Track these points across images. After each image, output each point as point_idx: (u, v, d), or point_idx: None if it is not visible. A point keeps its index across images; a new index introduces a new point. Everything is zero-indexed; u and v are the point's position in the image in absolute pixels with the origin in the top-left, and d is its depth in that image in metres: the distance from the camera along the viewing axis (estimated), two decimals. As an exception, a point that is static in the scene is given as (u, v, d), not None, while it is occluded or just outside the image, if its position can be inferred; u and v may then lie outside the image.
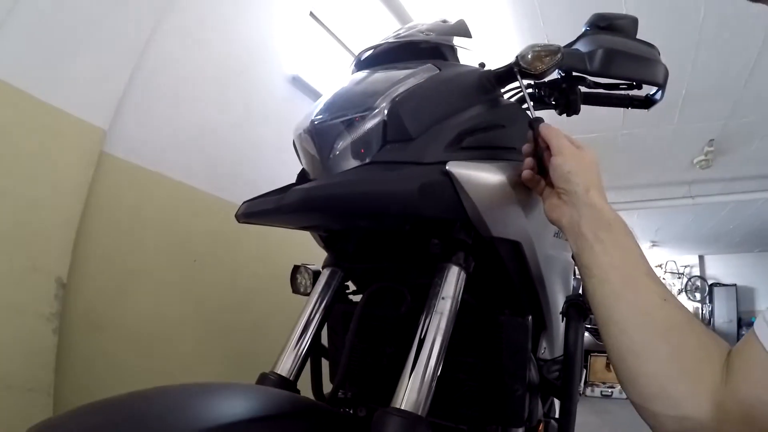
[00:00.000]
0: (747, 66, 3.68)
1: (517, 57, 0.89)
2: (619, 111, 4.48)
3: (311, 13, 3.14)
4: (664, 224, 8.59)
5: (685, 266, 11.60)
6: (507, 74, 0.93)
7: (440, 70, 0.91)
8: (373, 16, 3.02)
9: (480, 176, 0.77)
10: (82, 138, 1.59)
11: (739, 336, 10.27)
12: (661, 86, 1.03)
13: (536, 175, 0.81)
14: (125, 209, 1.75)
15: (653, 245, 10.49)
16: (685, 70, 3.85)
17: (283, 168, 2.44)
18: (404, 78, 0.88)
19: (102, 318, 1.63)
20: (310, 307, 0.98)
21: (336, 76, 3.38)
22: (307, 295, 1.13)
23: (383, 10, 2.91)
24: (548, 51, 0.88)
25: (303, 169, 1.03)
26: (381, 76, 0.94)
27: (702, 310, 11.16)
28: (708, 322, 11.00)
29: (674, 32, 3.41)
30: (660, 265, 11.58)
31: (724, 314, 10.74)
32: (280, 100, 2.64)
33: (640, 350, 0.52)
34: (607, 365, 5.12)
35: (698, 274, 11.51)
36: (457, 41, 1.07)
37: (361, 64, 1.10)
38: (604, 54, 0.90)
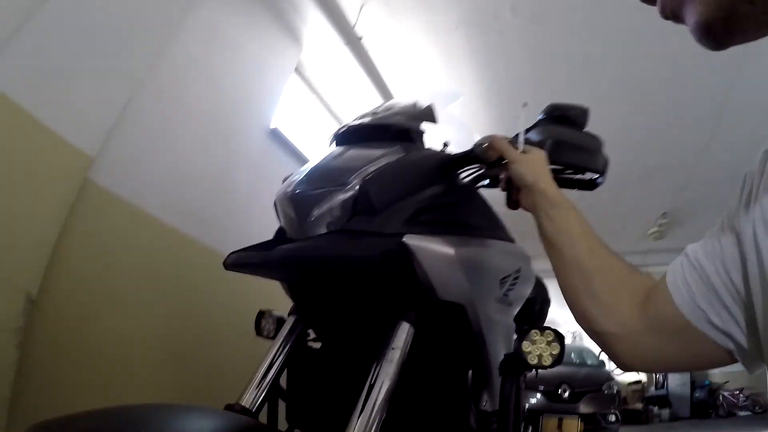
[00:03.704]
0: (701, 142, 3.96)
1: (474, 145, 1.01)
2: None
3: (296, 69, 3.33)
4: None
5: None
6: (464, 160, 1.06)
7: (406, 152, 1.04)
8: (354, 81, 3.21)
9: (432, 248, 0.91)
10: (69, 161, 1.66)
11: (692, 399, 10.51)
12: (602, 173, 1.18)
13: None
14: (102, 237, 1.81)
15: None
16: (641, 146, 4.13)
17: (254, 215, 2.55)
18: (375, 158, 1.01)
19: (67, 337, 1.66)
20: (274, 349, 1.08)
21: (312, 132, 3.57)
22: (270, 338, 1.25)
23: (364, 78, 3.11)
24: (505, 141, 0.99)
25: (281, 228, 1.12)
26: (355, 153, 1.06)
27: (656, 374, 11.32)
28: (662, 385, 11.19)
29: (633, 112, 3.71)
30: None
31: (677, 377, 10.90)
32: (258, 152, 2.80)
33: (576, 289, 0.72)
34: (559, 425, 5.18)
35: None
36: (424, 126, 1.23)
37: (339, 139, 1.23)
38: (552, 144, 1.05)
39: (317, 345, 1.28)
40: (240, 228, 2.49)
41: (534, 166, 0.88)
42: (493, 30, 3.02)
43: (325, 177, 1.01)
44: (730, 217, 0.55)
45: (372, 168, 0.98)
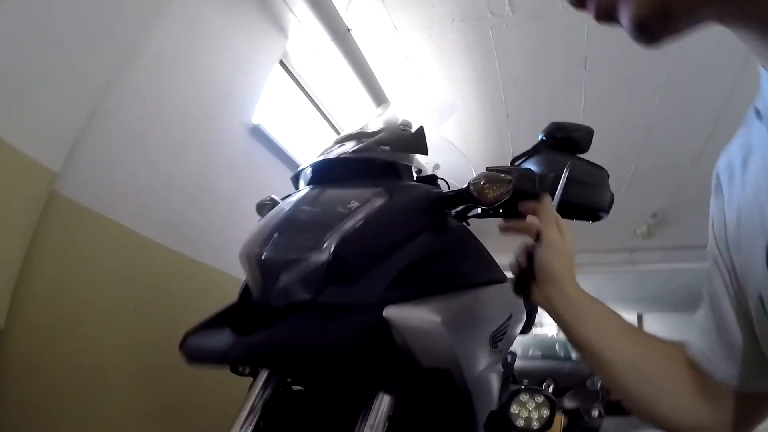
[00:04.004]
0: (697, 146, 3.89)
1: (469, 185, 0.92)
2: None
3: (281, 62, 3.17)
4: (603, 284, 8.83)
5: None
6: (457, 199, 0.97)
7: (390, 196, 0.93)
8: (342, 75, 3.05)
9: (415, 317, 0.81)
10: (31, 179, 1.54)
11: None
12: (607, 210, 1.10)
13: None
14: (70, 253, 1.70)
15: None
16: (638, 147, 4.06)
17: (234, 220, 2.39)
18: (353, 210, 0.89)
19: (37, 364, 1.58)
20: (248, 407, 0.97)
21: (297, 128, 3.42)
22: (246, 375, 1.13)
23: (352, 73, 2.96)
24: (500, 182, 0.91)
25: (246, 285, 1.00)
26: (331, 200, 0.95)
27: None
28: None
29: (631, 113, 3.62)
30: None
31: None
32: (239, 151, 2.64)
33: (641, 394, 0.64)
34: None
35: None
36: (411, 159, 1.11)
37: (315, 174, 1.11)
38: (557, 186, 0.94)
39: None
40: (220, 234, 2.37)
41: (565, 260, 0.75)
42: (490, 25, 2.88)
43: (296, 234, 0.90)
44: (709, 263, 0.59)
45: (349, 224, 0.86)
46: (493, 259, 1.18)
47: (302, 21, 2.78)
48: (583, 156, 1.17)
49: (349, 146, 1.10)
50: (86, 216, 1.75)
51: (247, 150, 2.71)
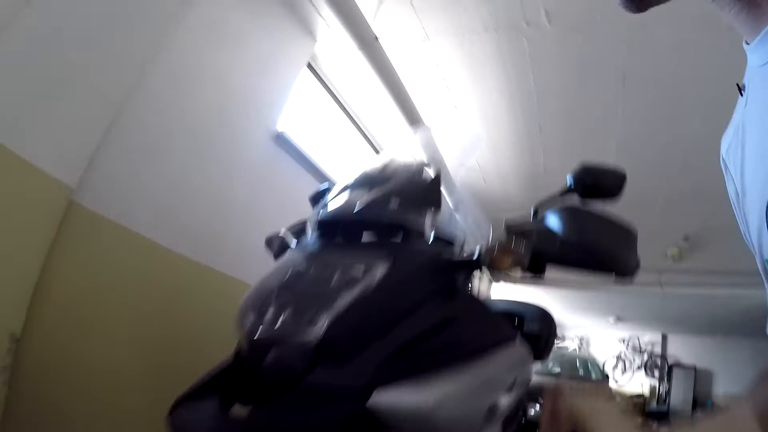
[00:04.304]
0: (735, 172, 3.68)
1: (480, 252, 0.88)
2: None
3: (309, 65, 3.10)
4: (630, 302, 8.61)
5: (648, 343, 11.65)
6: (467, 265, 0.92)
7: (395, 263, 0.87)
8: (370, 83, 2.95)
9: (406, 402, 0.74)
10: (48, 195, 1.54)
11: (693, 416, 10.27)
12: (629, 274, 1.04)
13: None
14: (87, 262, 1.69)
15: (617, 320, 10.53)
16: (673, 169, 3.89)
17: (252, 230, 2.33)
18: (350, 284, 0.83)
19: (54, 372, 1.58)
20: None
21: (324, 133, 3.34)
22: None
23: (379, 82, 2.86)
24: (514, 250, 0.86)
25: (238, 350, 0.93)
26: (328, 271, 0.88)
27: (659, 389, 11.17)
28: (664, 400, 11.01)
29: (668, 133, 3.47)
30: (623, 340, 11.64)
31: (680, 394, 10.74)
32: (261, 160, 2.57)
33: None
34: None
35: (660, 352, 11.55)
36: (423, 212, 1.02)
37: (321, 230, 1.04)
38: (579, 250, 0.91)
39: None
40: (238, 242, 2.35)
41: None
42: (525, 36, 2.77)
43: (290, 307, 0.85)
44: None
45: (344, 300, 0.81)
46: (500, 317, 1.13)
47: (330, 25, 2.69)
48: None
49: (358, 197, 1.03)
50: (104, 225, 1.74)
51: (270, 158, 2.65)
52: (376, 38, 2.56)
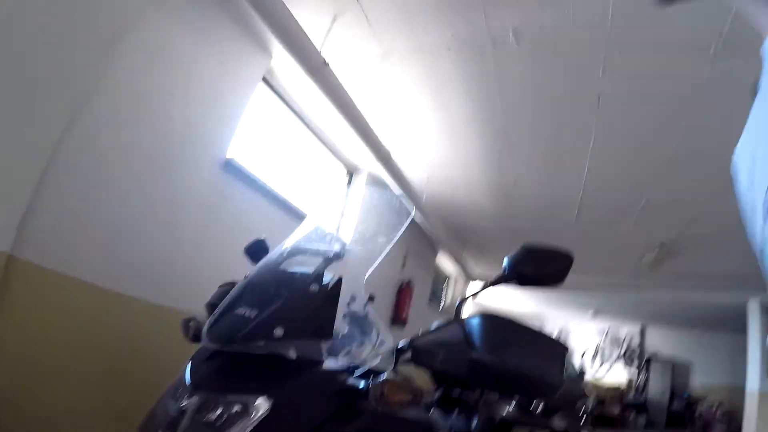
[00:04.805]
0: (717, 185, 3.53)
1: (370, 388, 0.84)
2: (574, 205, 4.42)
3: (265, 80, 2.91)
4: (608, 299, 8.62)
5: (627, 335, 11.70)
6: (352, 399, 0.88)
7: (275, 407, 0.80)
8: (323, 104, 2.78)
9: None
10: None
11: (669, 408, 10.43)
12: (550, 394, 1.06)
13: None
14: (32, 314, 1.65)
15: (596, 313, 10.55)
16: (649, 182, 3.78)
17: (202, 261, 2.31)
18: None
19: (7, 425, 1.55)
20: None
21: (281, 151, 3.17)
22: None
23: (331, 107, 2.69)
24: (403, 388, 0.83)
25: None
26: (202, 416, 0.80)
27: (638, 379, 11.26)
28: (642, 390, 11.12)
29: (642, 155, 3.37)
30: (602, 332, 11.66)
31: (658, 385, 10.84)
32: (209, 189, 2.42)
33: None
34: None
35: (638, 343, 11.61)
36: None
37: (200, 363, 0.94)
38: (492, 372, 0.88)
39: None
40: (187, 277, 2.26)
41: None
42: (491, 56, 2.61)
43: None
44: None
45: None
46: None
47: (276, 57, 2.51)
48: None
49: (244, 321, 0.92)
50: (47, 277, 1.70)
51: (219, 186, 2.50)
52: (326, 63, 2.39)
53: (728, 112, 2.54)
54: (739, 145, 0.53)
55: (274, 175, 3.01)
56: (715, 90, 2.54)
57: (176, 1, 2.06)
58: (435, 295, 6.94)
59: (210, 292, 1.22)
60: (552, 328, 12.34)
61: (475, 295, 1.15)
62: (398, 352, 0.99)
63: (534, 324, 1.07)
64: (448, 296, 7.50)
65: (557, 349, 0.99)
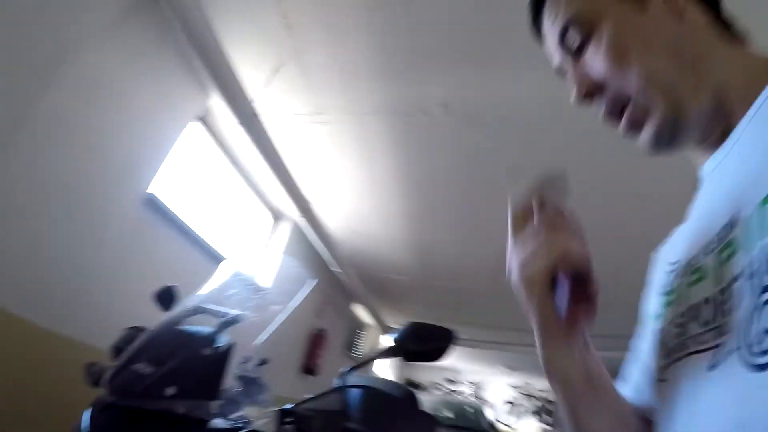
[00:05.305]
0: (622, 260, 3.78)
1: None
2: (491, 270, 4.61)
3: (201, 118, 2.93)
4: (522, 357, 8.87)
5: (541, 390, 12.04)
6: None
7: None
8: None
9: None
10: None
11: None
12: None
13: None
14: None
15: (510, 369, 10.83)
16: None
17: (117, 297, 2.27)
18: None
19: None
20: None
21: (209, 193, 3.17)
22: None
23: (259, 156, 2.76)
24: None
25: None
26: None
27: None
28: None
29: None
30: (515, 387, 11.98)
31: (563, 439, 11.18)
32: (128, 225, 2.39)
33: None
34: None
35: (553, 398, 11.93)
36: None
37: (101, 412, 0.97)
38: None
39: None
40: (98, 313, 2.18)
41: None
42: (419, 123, 2.76)
43: None
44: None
45: None
46: None
47: (214, 97, 2.56)
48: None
49: (139, 377, 0.96)
50: None
51: (137, 222, 2.47)
52: (255, 114, 2.47)
53: (635, 192, 2.79)
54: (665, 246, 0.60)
55: (198, 216, 3.00)
56: (634, 173, 2.81)
57: (119, 31, 2.07)
58: (350, 345, 6.94)
59: (120, 328, 1.24)
60: (466, 381, 12.58)
61: (360, 366, 1.22)
62: (282, 414, 1.04)
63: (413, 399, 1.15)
64: (364, 346, 7.52)
65: (429, 424, 1.07)
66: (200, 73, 2.54)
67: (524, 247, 0.50)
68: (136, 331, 1.15)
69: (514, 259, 0.51)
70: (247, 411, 1.13)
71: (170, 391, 0.94)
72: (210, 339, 1.07)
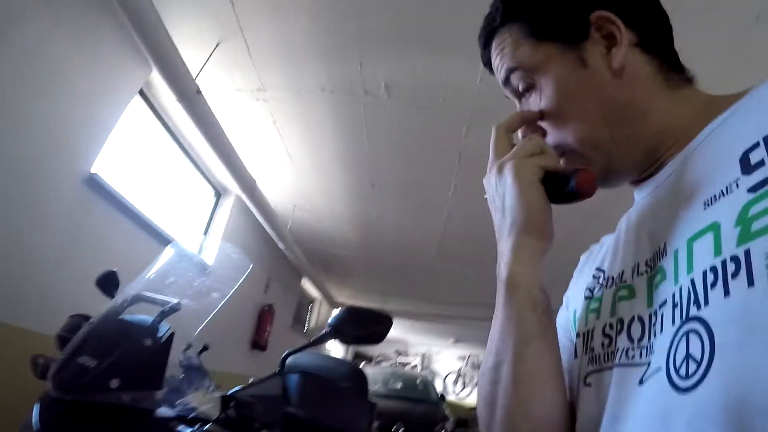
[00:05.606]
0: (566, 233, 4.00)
1: None
2: (434, 245, 4.73)
3: (141, 91, 2.87)
4: (467, 329, 9.12)
5: (487, 360, 12.43)
6: None
7: None
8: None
9: None
10: None
11: None
12: None
13: None
14: None
15: (456, 341, 11.14)
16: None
17: (60, 282, 2.22)
18: None
19: None
20: None
21: (153, 169, 3.12)
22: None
23: (199, 135, 2.75)
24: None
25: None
26: None
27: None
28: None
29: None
30: (463, 358, 12.35)
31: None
32: (70, 205, 2.33)
33: None
34: None
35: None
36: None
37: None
38: (304, 424, 0.99)
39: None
40: (41, 299, 2.14)
41: None
42: (362, 103, 2.81)
43: None
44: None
45: None
46: None
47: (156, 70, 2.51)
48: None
49: (82, 369, 0.99)
50: None
51: (81, 203, 2.41)
52: (198, 91, 2.44)
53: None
54: (596, 247, 0.62)
55: (142, 194, 2.96)
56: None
57: (57, 3, 2.01)
58: (299, 319, 7.01)
59: (66, 314, 1.26)
60: (415, 354, 12.86)
61: (299, 350, 1.27)
62: (225, 400, 1.08)
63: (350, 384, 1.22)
64: (312, 320, 7.60)
65: (365, 407, 1.13)
66: (141, 48, 2.49)
67: (516, 151, 0.53)
68: (81, 318, 1.18)
69: (507, 160, 0.53)
70: (191, 398, 1.17)
71: (115, 383, 0.97)
72: (151, 329, 1.10)
